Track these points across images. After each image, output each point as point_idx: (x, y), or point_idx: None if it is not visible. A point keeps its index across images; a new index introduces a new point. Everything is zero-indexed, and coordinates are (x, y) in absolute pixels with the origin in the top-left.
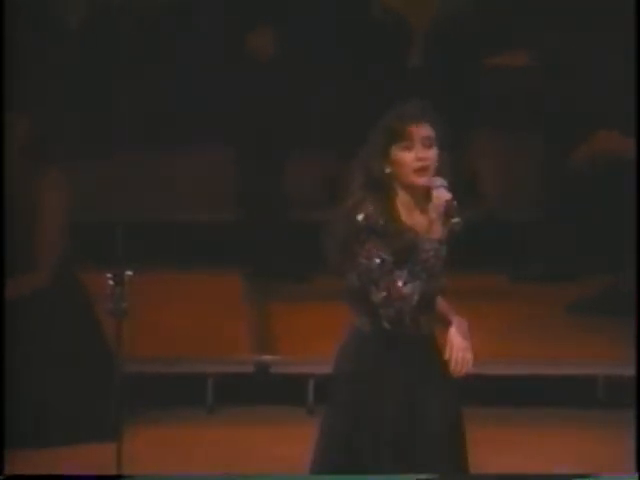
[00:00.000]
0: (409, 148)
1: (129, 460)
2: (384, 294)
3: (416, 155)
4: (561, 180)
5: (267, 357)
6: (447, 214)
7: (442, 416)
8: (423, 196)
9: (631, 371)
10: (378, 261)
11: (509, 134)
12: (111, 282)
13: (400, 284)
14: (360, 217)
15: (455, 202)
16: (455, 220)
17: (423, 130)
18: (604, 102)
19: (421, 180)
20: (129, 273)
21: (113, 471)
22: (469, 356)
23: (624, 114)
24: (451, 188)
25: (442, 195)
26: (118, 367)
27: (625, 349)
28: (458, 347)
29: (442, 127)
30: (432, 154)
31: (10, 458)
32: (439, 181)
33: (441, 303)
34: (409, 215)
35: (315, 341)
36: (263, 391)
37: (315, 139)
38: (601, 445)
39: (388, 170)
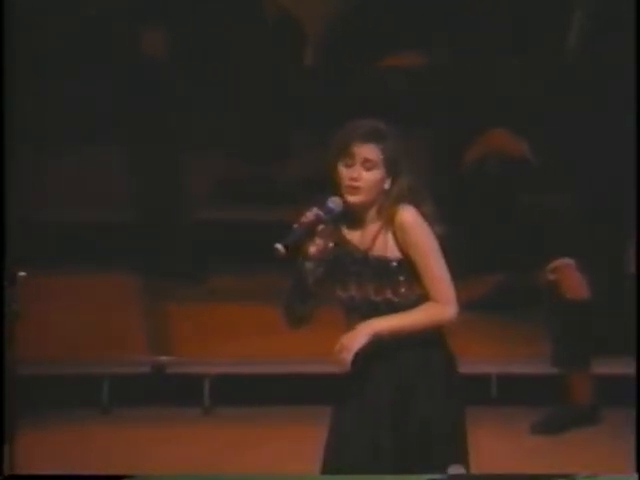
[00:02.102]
0: (349, 166)
1: (23, 462)
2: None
3: (351, 174)
4: (453, 180)
5: (163, 358)
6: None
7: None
8: (363, 213)
9: (523, 369)
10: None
11: (403, 133)
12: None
13: (290, 294)
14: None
15: (299, 231)
16: (277, 244)
17: (366, 151)
18: (496, 101)
19: (349, 199)
20: (22, 274)
21: (5, 472)
22: (344, 355)
23: (516, 113)
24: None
25: (305, 215)
26: (11, 369)
27: (517, 347)
28: (339, 344)
29: (395, 149)
30: (369, 176)
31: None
32: (331, 202)
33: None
34: (348, 229)
35: (211, 341)
36: (159, 392)
37: (207, 139)
38: (495, 443)
39: (337, 183)
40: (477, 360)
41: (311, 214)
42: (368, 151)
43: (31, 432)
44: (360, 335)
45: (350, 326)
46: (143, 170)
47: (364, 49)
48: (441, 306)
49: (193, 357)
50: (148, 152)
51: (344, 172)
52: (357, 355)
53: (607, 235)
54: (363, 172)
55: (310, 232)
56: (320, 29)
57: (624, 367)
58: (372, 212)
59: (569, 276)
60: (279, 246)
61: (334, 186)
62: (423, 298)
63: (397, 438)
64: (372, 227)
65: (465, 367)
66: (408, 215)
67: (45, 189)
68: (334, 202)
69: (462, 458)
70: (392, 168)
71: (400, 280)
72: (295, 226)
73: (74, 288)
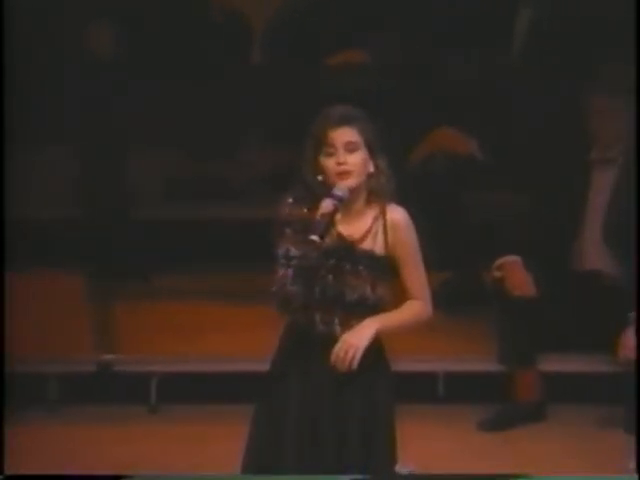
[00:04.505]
0: (332, 154)
1: None
2: (275, 287)
3: (337, 160)
4: (399, 178)
5: (109, 356)
6: (312, 227)
7: (350, 414)
8: (352, 202)
9: (470, 367)
10: (281, 252)
11: None
12: None
13: (289, 281)
14: (284, 210)
15: (325, 220)
16: (312, 237)
17: (344, 135)
18: (443, 100)
19: (344, 184)
20: None
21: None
22: (352, 354)
23: (464, 112)
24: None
25: (324, 206)
26: None
27: (464, 345)
28: (343, 343)
29: (371, 130)
30: (355, 158)
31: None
32: (338, 190)
33: (389, 313)
34: (343, 222)
35: (157, 340)
36: (105, 390)
37: (156, 137)
38: (442, 441)
39: (320, 178)
40: (424, 358)
41: (329, 204)
42: (346, 134)
43: None
44: (366, 333)
45: (308, 323)
46: (90, 168)
47: (311, 47)
48: (423, 304)
49: (139, 355)
50: (95, 150)
51: (327, 162)
52: (289, 352)
53: (553, 232)
54: (347, 155)
55: (331, 222)
56: (267, 27)
57: (570, 364)
58: (360, 201)
59: (515, 273)
60: (315, 237)
61: (320, 180)
62: (384, 303)
63: (334, 438)
64: (363, 220)
65: (412, 365)
66: (400, 215)
67: None
68: (341, 190)
69: (395, 457)
70: (372, 149)
71: (381, 277)
72: (318, 218)
73: (19, 286)
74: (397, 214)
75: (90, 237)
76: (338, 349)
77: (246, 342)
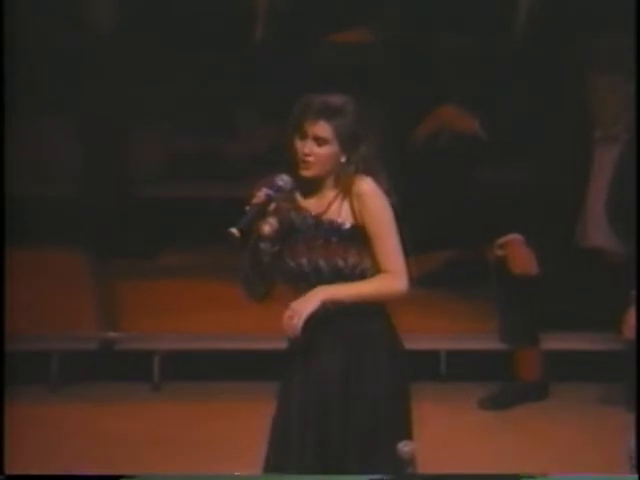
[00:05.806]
0: (303, 140)
1: None
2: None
3: (302, 149)
4: (403, 155)
5: (112, 334)
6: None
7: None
8: (320, 183)
9: (472, 345)
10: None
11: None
12: None
13: (248, 267)
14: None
15: (253, 212)
16: (232, 229)
17: (317, 129)
18: (448, 78)
19: (302, 173)
20: None
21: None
22: (296, 321)
23: (468, 90)
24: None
25: (256, 196)
26: None
27: (466, 323)
28: (289, 310)
29: (350, 124)
30: (321, 151)
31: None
32: (280, 180)
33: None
34: (304, 197)
35: (160, 317)
36: (107, 368)
37: (156, 115)
38: (443, 419)
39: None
40: (426, 336)
41: (262, 194)
42: (319, 129)
43: None
44: (311, 301)
45: (298, 297)
46: (92, 145)
47: (314, 24)
48: (392, 278)
49: (142, 333)
50: (96, 128)
51: (299, 145)
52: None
53: (556, 210)
54: (315, 147)
55: (262, 212)
56: (270, 3)
57: (573, 342)
58: (329, 181)
59: (518, 252)
60: (234, 230)
61: (291, 160)
62: (369, 272)
63: (345, 416)
64: (328, 194)
65: (414, 343)
66: (366, 185)
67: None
68: (283, 180)
69: (408, 434)
70: (348, 143)
71: (351, 247)
72: (247, 208)
73: (22, 263)
74: (363, 184)
75: (93, 214)
76: (285, 315)
77: (249, 319)
